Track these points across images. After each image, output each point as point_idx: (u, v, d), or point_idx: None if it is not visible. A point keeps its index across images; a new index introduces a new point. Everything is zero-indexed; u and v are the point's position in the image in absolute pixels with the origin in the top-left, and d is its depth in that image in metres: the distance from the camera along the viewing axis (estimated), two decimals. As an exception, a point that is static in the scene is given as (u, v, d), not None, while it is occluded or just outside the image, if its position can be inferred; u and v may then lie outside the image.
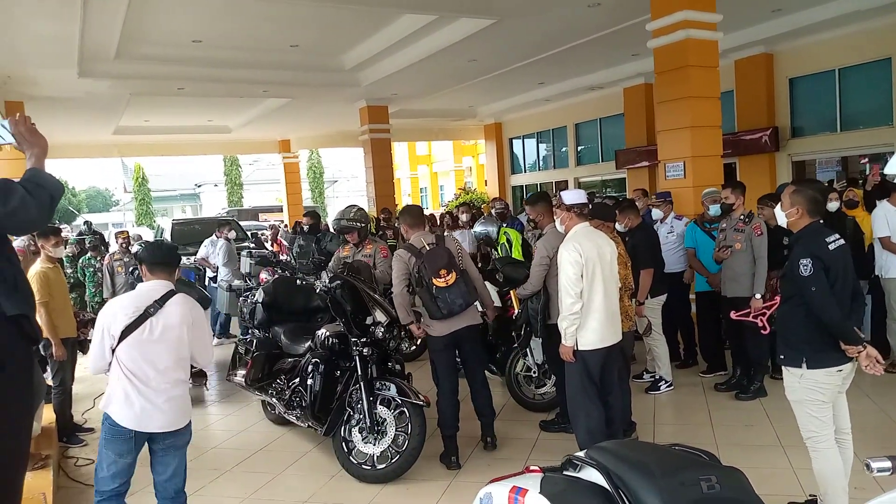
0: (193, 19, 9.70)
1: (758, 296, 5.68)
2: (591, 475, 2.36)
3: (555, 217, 5.46)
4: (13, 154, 10.16)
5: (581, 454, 2.44)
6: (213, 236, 10.44)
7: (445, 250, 4.93)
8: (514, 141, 21.57)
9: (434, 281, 4.80)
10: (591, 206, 4.78)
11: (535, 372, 6.00)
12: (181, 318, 3.44)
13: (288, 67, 12.34)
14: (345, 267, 5.30)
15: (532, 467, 2.54)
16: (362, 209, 6.26)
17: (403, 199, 34.94)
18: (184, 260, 12.62)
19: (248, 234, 16.97)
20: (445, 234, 5.19)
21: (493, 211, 9.85)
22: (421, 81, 13.81)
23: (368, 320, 4.88)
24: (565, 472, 2.47)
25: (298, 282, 5.57)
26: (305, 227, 9.52)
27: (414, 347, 8.14)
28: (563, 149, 19.39)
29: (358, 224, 6.13)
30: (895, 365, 6.30)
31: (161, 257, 3.61)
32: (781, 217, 3.65)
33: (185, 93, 13.43)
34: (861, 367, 3.41)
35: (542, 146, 20.61)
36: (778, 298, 5.63)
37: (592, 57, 13.24)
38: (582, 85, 16.01)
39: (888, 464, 1.53)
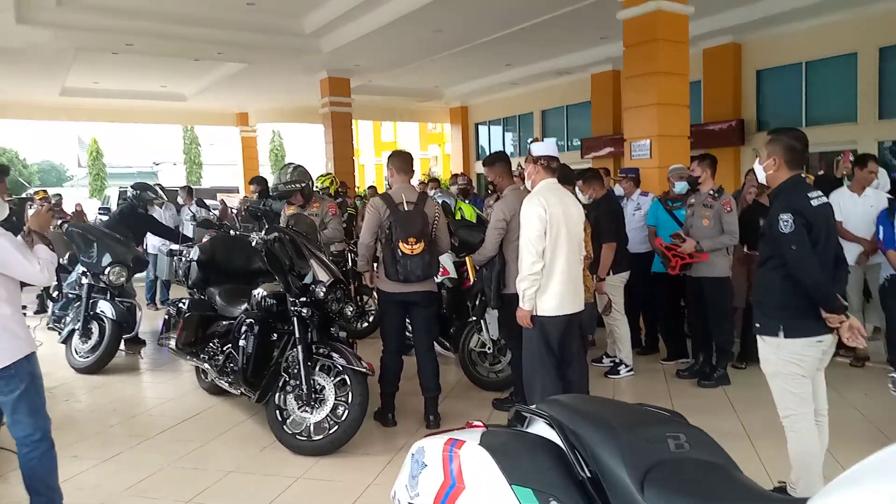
0: (144, -33, 9.10)
1: (693, 244, 5.52)
2: (541, 430, 2.05)
3: (516, 180, 5.14)
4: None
5: (530, 407, 2.12)
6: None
7: (422, 216, 4.62)
8: (479, 127, 21.25)
9: (400, 245, 4.50)
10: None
11: (489, 348, 5.67)
12: None
13: (244, 28, 11.75)
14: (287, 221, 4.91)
15: (474, 423, 2.22)
16: (301, 166, 5.81)
17: (367, 185, 34.33)
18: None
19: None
20: (430, 192, 4.83)
21: (454, 188, 9.50)
22: (385, 52, 13.35)
23: (308, 279, 4.48)
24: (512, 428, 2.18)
25: (233, 233, 5.12)
26: (254, 196, 9.00)
27: (366, 325, 7.75)
28: (530, 138, 19.13)
29: (298, 185, 5.69)
30: (859, 359, 6.12)
31: None
32: (760, 173, 3.36)
33: (134, 50, 12.70)
34: (843, 338, 3.13)
35: (509, 134, 20.33)
36: (705, 256, 5.45)
37: (561, 38, 12.96)
38: (550, 69, 15.75)
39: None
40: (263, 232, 4.58)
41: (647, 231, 6.51)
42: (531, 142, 4.36)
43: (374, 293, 7.16)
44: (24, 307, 9.10)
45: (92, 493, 3.69)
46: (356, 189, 17.21)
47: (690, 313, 6.15)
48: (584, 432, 1.88)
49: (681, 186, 6.33)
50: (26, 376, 3.06)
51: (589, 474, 1.80)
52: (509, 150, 20.38)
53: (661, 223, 6.38)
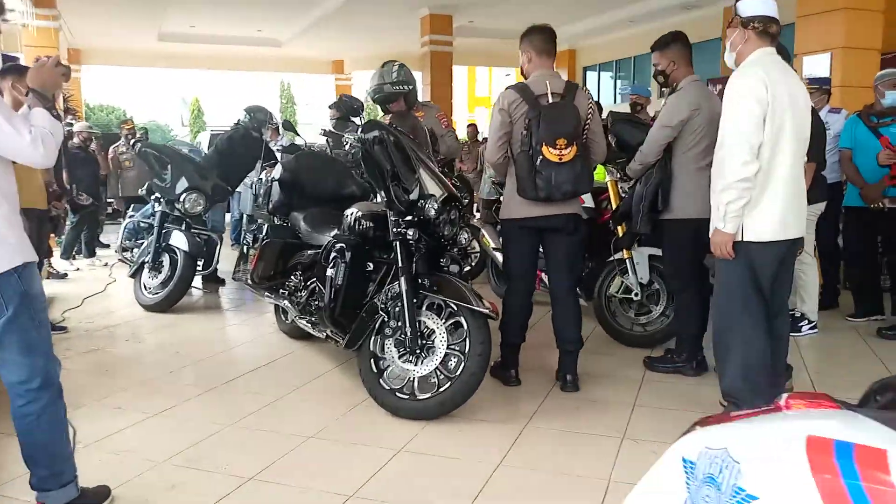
0: None
1: None
2: None
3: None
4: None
5: None
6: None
7: (573, 110, 3.39)
8: (588, 72, 19.53)
9: (544, 150, 3.30)
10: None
11: (636, 294, 4.43)
12: None
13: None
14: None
15: (818, 399, 1.04)
16: (405, 66, 4.65)
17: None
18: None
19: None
20: (581, 86, 3.63)
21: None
22: (492, -20, 12.03)
23: (414, 194, 3.38)
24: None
25: (323, 131, 4.05)
26: (332, 122, 7.89)
27: (468, 268, 6.63)
28: (644, 83, 17.31)
29: (406, 87, 4.54)
30: None
31: None
32: None
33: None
34: None
35: (620, 80, 18.49)
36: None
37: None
38: (677, 2, 13.99)
39: None
40: (360, 130, 3.48)
41: (840, 156, 5.08)
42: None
43: (483, 231, 6.08)
44: (106, 245, 8.62)
45: (125, 461, 2.75)
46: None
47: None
48: None
49: (892, 98, 4.85)
50: (15, 297, 2.11)
51: None
52: (619, 97, 18.57)
53: (861, 145, 4.93)
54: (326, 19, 15.15)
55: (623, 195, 4.58)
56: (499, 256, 5.67)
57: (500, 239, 5.65)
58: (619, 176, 4.65)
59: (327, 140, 7.42)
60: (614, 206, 4.55)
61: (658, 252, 4.28)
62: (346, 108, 3.50)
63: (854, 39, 6.42)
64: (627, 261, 4.40)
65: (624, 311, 4.57)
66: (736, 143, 2.76)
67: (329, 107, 8.23)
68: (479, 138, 11.63)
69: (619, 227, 4.39)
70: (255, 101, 6.82)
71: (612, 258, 4.52)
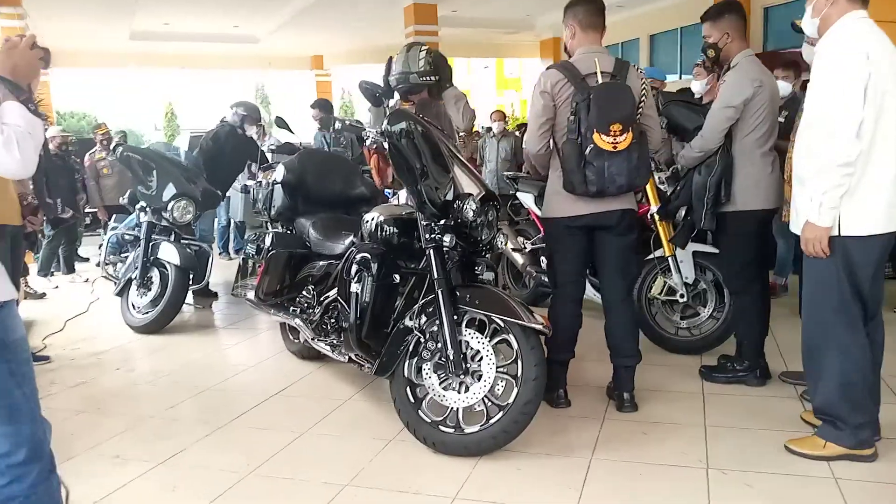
0: None
1: None
2: None
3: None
4: None
5: None
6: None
7: (628, 91, 2.97)
8: (573, 60, 19.16)
9: (596, 138, 2.87)
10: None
11: (682, 295, 4.05)
12: None
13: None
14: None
15: None
16: (433, 51, 4.18)
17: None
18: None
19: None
20: (633, 64, 3.18)
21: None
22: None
23: (448, 194, 2.95)
24: None
25: (339, 125, 3.57)
26: (317, 121, 7.39)
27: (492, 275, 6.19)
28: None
29: (432, 78, 4.08)
30: None
31: None
32: None
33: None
34: None
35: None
36: None
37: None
38: (666, -14, 13.66)
39: None
40: (386, 121, 3.04)
41: None
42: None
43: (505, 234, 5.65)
44: (84, 259, 8.09)
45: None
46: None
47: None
48: None
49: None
50: None
51: None
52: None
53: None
54: (305, 12, 14.63)
55: (660, 186, 4.21)
56: (517, 257, 5.28)
57: (521, 240, 5.29)
58: (653, 166, 4.27)
59: (324, 136, 6.99)
60: (651, 199, 4.16)
61: (704, 248, 3.92)
62: (367, 95, 3.06)
63: (878, 13, 6.06)
64: (670, 259, 4.02)
65: (667, 314, 4.19)
66: (834, 120, 2.37)
67: (311, 106, 7.80)
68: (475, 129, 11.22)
69: (662, 224, 4.01)
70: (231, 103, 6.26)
71: (651, 256, 4.14)
